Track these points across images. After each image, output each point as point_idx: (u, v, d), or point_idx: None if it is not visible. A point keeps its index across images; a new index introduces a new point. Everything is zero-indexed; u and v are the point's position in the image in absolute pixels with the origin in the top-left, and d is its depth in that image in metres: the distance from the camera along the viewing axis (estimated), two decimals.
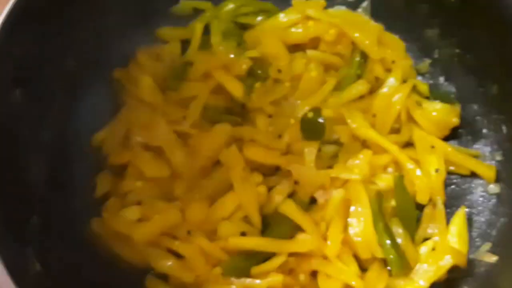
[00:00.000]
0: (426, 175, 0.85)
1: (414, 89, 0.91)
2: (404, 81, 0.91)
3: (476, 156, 0.88)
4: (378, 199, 0.82)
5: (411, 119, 0.89)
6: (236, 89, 0.90)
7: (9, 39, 0.72)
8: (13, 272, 0.59)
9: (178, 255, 0.79)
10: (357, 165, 0.84)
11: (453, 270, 0.80)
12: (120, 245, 0.79)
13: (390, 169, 0.87)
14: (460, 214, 0.84)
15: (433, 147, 0.87)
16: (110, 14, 0.88)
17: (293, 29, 0.93)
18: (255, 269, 0.77)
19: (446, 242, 0.82)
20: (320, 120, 0.88)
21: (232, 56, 0.91)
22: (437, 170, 0.85)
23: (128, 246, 0.79)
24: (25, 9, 0.74)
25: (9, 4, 0.73)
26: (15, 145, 0.73)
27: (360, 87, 0.89)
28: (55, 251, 0.72)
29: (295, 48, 0.94)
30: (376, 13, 0.96)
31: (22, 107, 0.75)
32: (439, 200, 0.84)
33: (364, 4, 0.97)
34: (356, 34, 0.90)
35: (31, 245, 0.69)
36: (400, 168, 0.86)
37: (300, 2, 0.95)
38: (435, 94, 0.93)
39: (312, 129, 0.87)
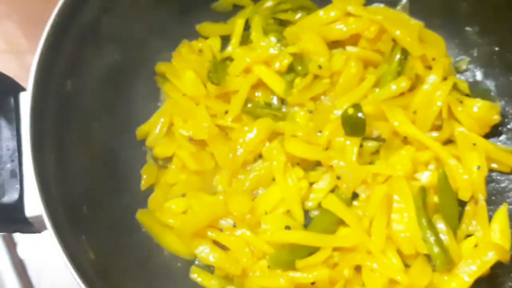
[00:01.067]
0: (467, 172, 0.85)
1: (454, 86, 0.91)
2: (444, 78, 0.91)
3: None
4: (422, 194, 0.82)
5: (452, 116, 0.89)
6: (276, 84, 0.91)
7: (62, 35, 0.74)
8: (73, 259, 0.60)
9: (223, 247, 0.80)
10: (399, 161, 0.85)
11: (497, 266, 0.80)
12: (166, 236, 0.80)
13: (431, 166, 0.87)
14: (503, 211, 0.84)
15: (474, 144, 0.87)
16: (153, 10, 0.89)
17: (333, 26, 0.93)
18: (300, 263, 0.78)
19: (489, 238, 0.82)
20: (361, 116, 0.88)
21: (272, 51, 0.92)
22: (478, 167, 0.85)
23: (174, 237, 0.80)
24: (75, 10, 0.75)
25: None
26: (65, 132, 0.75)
27: (401, 84, 0.89)
28: (105, 240, 0.72)
29: (334, 44, 0.94)
30: (414, 11, 0.97)
31: (72, 98, 0.76)
32: (481, 197, 0.85)
33: (403, 1, 0.97)
34: (397, 32, 0.90)
35: (84, 234, 0.70)
36: (442, 164, 0.86)
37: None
38: (475, 91, 0.93)
39: (353, 125, 0.87)
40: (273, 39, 0.94)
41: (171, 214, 0.80)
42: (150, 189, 0.85)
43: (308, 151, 0.87)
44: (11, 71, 0.74)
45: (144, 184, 0.84)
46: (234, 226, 0.80)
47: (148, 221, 0.81)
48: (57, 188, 0.68)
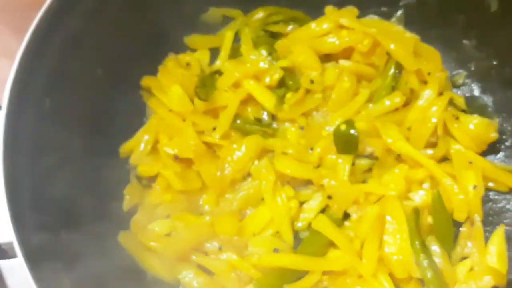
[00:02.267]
0: (463, 191, 0.82)
1: (451, 102, 0.88)
2: (440, 93, 0.88)
3: None
4: (415, 216, 0.79)
5: (447, 133, 0.86)
6: (267, 99, 0.88)
7: (42, 49, 0.71)
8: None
9: (208, 272, 0.77)
10: (392, 180, 0.82)
11: None
12: (149, 259, 0.77)
13: (426, 185, 0.84)
14: (499, 233, 0.81)
15: (470, 162, 0.84)
16: (139, 23, 0.86)
17: (326, 39, 0.90)
18: None
19: (485, 262, 0.79)
20: (354, 133, 0.85)
21: (263, 65, 0.89)
22: (475, 187, 0.82)
23: (157, 260, 0.77)
24: (56, 21, 0.72)
25: (40, 13, 0.71)
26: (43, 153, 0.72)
27: (395, 99, 0.86)
28: (85, 266, 0.69)
29: (327, 58, 0.91)
30: (409, 23, 0.94)
31: (51, 116, 0.73)
32: (477, 218, 0.82)
33: (398, 13, 0.94)
34: (392, 45, 0.87)
35: (60, 261, 0.67)
36: (437, 183, 0.83)
37: (332, 11, 0.92)
38: (472, 107, 0.89)
39: (345, 142, 0.84)
40: (263, 52, 0.92)
41: (155, 237, 0.77)
42: (133, 210, 0.82)
43: (298, 170, 0.84)
44: None
45: (127, 204, 0.82)
46: (220, 249, 0.77)
47: (130, 244, 0.78)
48: (32, 213, 0.65)
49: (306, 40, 0.91)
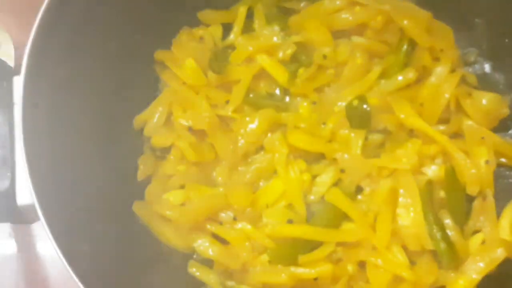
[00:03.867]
0: (476, 166, 0.82)
1: (463, 79, 0.88)
2: (452, 70, 0.89)
3: None
4: (428, 189, 0.80)
5: (460, 109, 0.87)
6: (280, 74, 0.88)
7: (56, 21, 0.71)
8: (66, 252, 0.57)
9: (223, 241, 0.77)
10: (405, 154, 0.82)
11: (505, 264, 0.77)
12: (163, 229, 0.78)
13: (438, 160, 0.84)
14: (511, 207, 0.82)
15: (483, 138, 0.85)
16: None
17: (339, 15, 0.90)
18: (303, 258, 0.75)
19: (497, 235, 0.79)
20: (366, 108, 0.85)
21: (276, 40, 0.89)
22: (487, 162, 0.82)
23: (172, 230, 0.77)
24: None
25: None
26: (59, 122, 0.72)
27: (409, 74, 0.86)
28: (100, 232, 0.69)
29: (340, 34, 0.91)
30: (422, 1, 0.93)
31: (67, 84, 0.73)
32: (490, 192, 0.82)
33: None
34: (405, 22, 0.87)
35: (78, 226, 0.67)
36: (449, 159, 0.84)
37: None
38: (483, 84, 0.90)
39: (358, 117, 0.85)
40: (276, 28, 0.91)
41: (169, 206, 0.77)
42: (147, 181, 0.82)
43: (311, 143, 0.84)
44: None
45: (140, 174, 0.82)
46: (235, 219, 0.77)
47: (145, 213, 0.79)
48: (50, 177, 0.65)
49: (319, 16, 0.91)
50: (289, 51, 0.88)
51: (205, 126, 0.82)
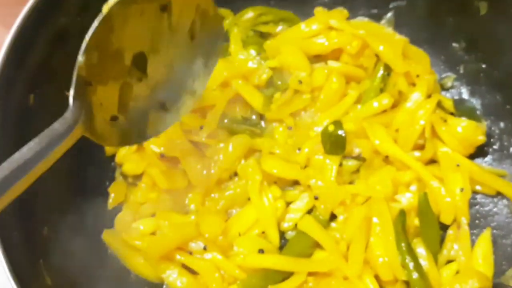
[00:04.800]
0: (450, 194, 0.82)
1: (439, 104, 0.88)
2: (428, 96, 0.88)
3: (502, 176, 0.85)
4: (401, 218, 0.79)
5: (435, 135, 0.86)
6: (255, 99, 0.88)
7: (25, 45, 0.70)
8: (23, 284, 0.56)
9: (193, 271, 0.76)
10: (379, 182, 0.82)
11: None
12: (133, 258, 0.77)
13: (413, 187, 0.84)
14: (486, 236, 0.81)
15: (458, 165, 0.84)
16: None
17: (315, 40, 0.90)
18: None
19: (471, 265, 0.79)
20: (341, 134, 0.85)
21: (251, 65, 0.89)
22: (462, 189, 0.82)
23: (141, 259, 0.76)
24: (39, 18, 0.72)
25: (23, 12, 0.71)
26: None
27: (383, 100, 0.86)
28: (65, 264, 0.69)
29: (316, 59, 0.91)
30: (399, 26, 0.94)
31: (35, 112, 0.72)
32: (464, 221, 0.81)
33: (388, 15, 0.95)
34: (381, 47, 0.87)
35: (42, 258, 0.66)
36: (424, 186, 0.83)
37: (322, 12, 0.92)
38: (460, 110, 0.90)
39: (333, 142, 0.84)
40: (252, 52, 0.91)
41: (138, 236, 0.77)
42: (118, 208, 0.81)
43: (285, 170, 0.84)
44: None
45: (112, 202, 0.81)
46: (205, 249, 0.76)
47: (114, 242, 0.78)
48: (14, 209, 0.64)
49: (295, 40, 0.91)
50: (265, 76, 0.88)
51: (178, 153, 0.81)
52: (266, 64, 0.89)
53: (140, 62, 0.65)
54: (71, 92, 0.59)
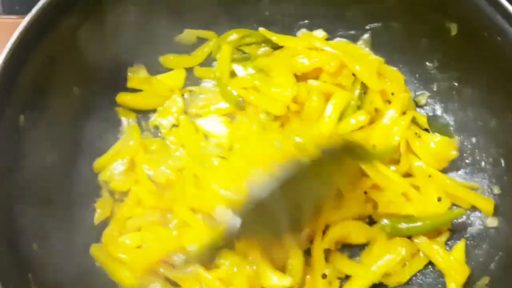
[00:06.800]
0: (430, 203, 0.85)
1: (413, 121, 0.92)
2: (403, 112, 0.92)
3: (474, 189, 0.89)
4: None
5: (410, 150, 0.90)
6: None
7: (16, 68, 0.74)
8: None
9: (176, 284, 0.79)
10: None
11: None
12: (119, 272, 0.79)
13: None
14: (460, 247, 0.85)
15: (429, 176, 0.88)
16: (114, 42, 0.89)
17: (298, 59, 0.93)
18: None
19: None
20: None
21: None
22: (439, 199, 0.86)
23: (126, 272, 0.79)
24: (31, 40, 0.75)
25: (16, 34, 0.74)
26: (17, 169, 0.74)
27: (360, 117, 0.90)
28: (54, 278, 0.71)
29: (297, 77, 0.95)
30: (376, 46, 0.98)
31: (25, 132, 0.75)
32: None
33: (365, 36, 0.99)
34: (357, 67, 0.91)
35: (31, 272, 0.69)
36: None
37: (307, 35, 0.97)
38: (434, 126, 0.93)
39: None
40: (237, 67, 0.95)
41: (125, 249, 0.80)
42: (105, 223, 0.84)
43: None
44: None
45: (98, 217, 0.84)
46: (187, 262, 0.79)
47: (101, 256, 0.80)
48: (2, 225, 0.67)
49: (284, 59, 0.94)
50: None
51: (164, 181, 0.85)
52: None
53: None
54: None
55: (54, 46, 0.79)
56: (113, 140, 0.90)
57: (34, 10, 0.75)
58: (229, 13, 0.96)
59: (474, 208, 0.88)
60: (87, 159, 0.87)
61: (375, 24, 0.97)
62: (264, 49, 0.98)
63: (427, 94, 0.97)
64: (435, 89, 0.96)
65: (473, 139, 0.91)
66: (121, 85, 0.93)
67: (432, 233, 0.85)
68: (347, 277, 0.82)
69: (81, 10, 0.81)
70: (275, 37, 0.96)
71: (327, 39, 0.98)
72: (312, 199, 0.77)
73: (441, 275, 0.84)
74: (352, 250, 0.87)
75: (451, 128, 0.94)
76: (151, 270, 0.78)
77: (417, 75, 0.97)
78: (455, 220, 0.88)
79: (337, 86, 0.94)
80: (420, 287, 0.85)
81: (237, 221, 0.66)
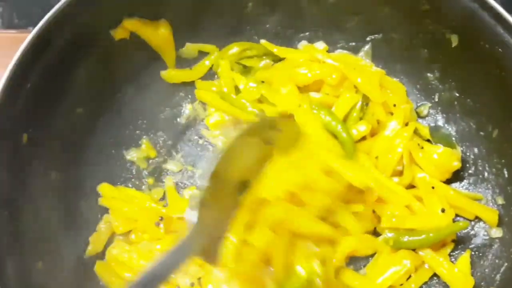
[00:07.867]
0: (434, 216, 0.85)
1: (416, 132, 0.92)
2: (405, 124, 0.93)
3: (478, 200, 0.89)
4: None
5: (413, 161, 0.90)
6: None
7: (19, 86, 0.74)
8: None
9: None
10: None
11: None
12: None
13: None
14: (465, 258, 0.85)
15: (433, 187, 0.88)
16: (115, 60, 0.89)
17: (299, 71, 0.94)
18: None
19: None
20: None
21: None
22: (443, 210, 0.86)
23: None
24: (32, 63, 0.75)
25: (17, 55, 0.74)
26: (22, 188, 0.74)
27: (361, 127, 0.90)
28: None
29: (299, 89, 0.95)
30: (376, 57, 0.98)
31: (28, 151, 0.75)
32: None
33: (366, 48, 0.99)
34: (359, 79, 0.91)
35: None
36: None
37: (309, 47, 0.97)
38: (436, 136, 0.93)
39: None
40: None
41: (129, 268, 0.79)
42: (110, 240, 0.84)
43: None
44: None
45: (89, 251, 0.82)
46: (192, 285, 0.79)
47: (106, 274, 0.80)
48: (8, 243, 0.67)
49: (286, 71, 0.94)
50: None
51: None
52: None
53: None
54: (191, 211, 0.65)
55: (57, 61, 0.79)
56: (118, 157, 0.90)
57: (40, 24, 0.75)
58: (230, 26, 0.97)
59: (478, 219, 0.88)
60: (92, 177, 0.86)
61: (376, 36, 0.97)
62: (265, 62, 0.99)
63: (429, 104, 0.97)
64: (436, 100, 0.96)
65: (475, 149, 0.91)
66: (123, 103, 0.93)
67: (437, 244, 0.85)
68: None
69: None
70: (276, 49, 0.97)
71: (328, 51, 0.98)
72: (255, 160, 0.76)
73: (446, 286, 0.84)
74: (357, 263, 0.87)
75: (453, 139, 0.94)
76: None
77: (418, 86, 0.97)
78: (459, 232, 0.89)
79: (338, 98, 0.95)
80: None
81: (193, 216, 0.64)
